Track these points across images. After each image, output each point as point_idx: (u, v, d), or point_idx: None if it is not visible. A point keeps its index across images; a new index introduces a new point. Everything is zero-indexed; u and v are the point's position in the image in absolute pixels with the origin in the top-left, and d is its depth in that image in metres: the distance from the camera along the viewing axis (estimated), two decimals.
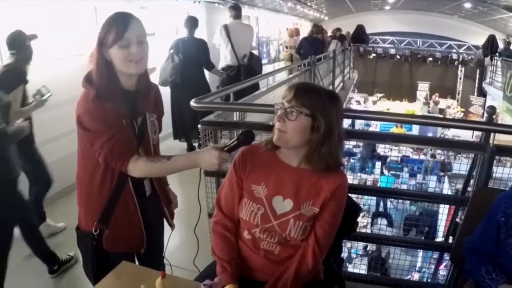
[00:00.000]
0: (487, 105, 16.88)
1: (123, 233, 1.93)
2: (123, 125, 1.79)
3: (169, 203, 2.22)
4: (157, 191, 2.10)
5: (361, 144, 9.46)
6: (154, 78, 4.15)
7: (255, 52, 10.08)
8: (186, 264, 2.29)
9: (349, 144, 8.91)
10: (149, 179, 2.03)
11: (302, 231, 1.74)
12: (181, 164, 1.82)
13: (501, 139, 2.86)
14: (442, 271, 3.48)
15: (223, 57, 6.22)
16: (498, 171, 2.44)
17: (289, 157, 1.78)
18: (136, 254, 2.12)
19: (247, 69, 6.18)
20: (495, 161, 2.35)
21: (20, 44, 3.45)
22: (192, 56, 5.78)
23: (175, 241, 3.02)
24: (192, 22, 5.93)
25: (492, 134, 2.42)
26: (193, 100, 2.78)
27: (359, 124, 12.95)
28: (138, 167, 1.79)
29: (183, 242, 3.18)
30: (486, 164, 2.35)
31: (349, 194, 1.97)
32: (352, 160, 10.33)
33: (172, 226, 2.24)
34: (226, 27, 6.13)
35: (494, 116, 2.57)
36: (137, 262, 2.12)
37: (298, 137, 1.69)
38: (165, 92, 5.84)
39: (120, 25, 1.73)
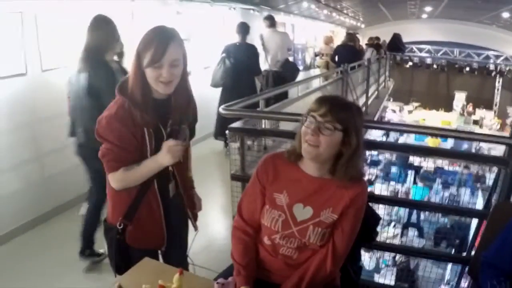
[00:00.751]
0: None
1: (145, 230, 2.06)
2: (131, 144, 1.90)
3: (192, 205, 2.32)
4: (181, 193, 2.19)
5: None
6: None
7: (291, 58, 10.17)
8: (210, 265, 2.36)
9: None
10: (173, 181, 2.14)
11: (321, 237, 1.80)
12: (148, 166, 1.92)
13: None
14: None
15: (262, 63, 6.50)
16: None
17: (312, 169, 1.83)
18: (161, 252, 2.22)
19: (277, 75, 6.55)
20: None
21: None
22: (243, 61, 6.01)
23: (201, 242, 3.12)
24: (244, 28, 6.17)
25: None
26: (221, 107, 2.90)
27: (393, 134, 12.85)
28: (116, 178, 1.93)
29: (209, 244, 3.26)
30: (508, 178, 2.33)
31: (369, 203, 2.00)
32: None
33: (195, 227, 2.34)
34: (261, 36, 6.62)
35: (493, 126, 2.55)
36: (161, 260, 2.21)
37: (330, 152, 1.74)
38: (214, 93, 6.20)
39: (159, 47, 1.82)
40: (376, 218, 2.11)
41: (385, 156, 9.68)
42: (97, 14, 3.32)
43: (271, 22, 6.97)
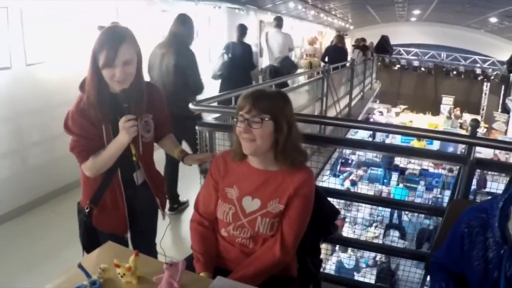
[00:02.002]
0: (511, 122, 16.69)
1: (109, 215, 2.21)
2: (94, 133, 2.04)
3: (160, 193, 2.41)
4: (147, 181, 2.29)
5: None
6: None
7: None
8: (181, 256, 2.35)
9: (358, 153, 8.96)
10: (141, 169, 2.24)
11: (270, 227, 1.87)
12: (111, 148, 2.04)
13: None
14: None
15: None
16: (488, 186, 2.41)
17: (257, 162, 1.92)
18: (131, 240, 2.39)
19: (274, 70, 7.30)
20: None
21: None
22: (238, 57, 6.63)
23: (174, 233, 3.10)
24: (242, 29, 6.81)
25: (474, 147, 2.42)
26: (191, 103, 3.02)
27: (380, 135, 12.91)
28: (87, 166, 2.06)
29: (182, 236, 3.27)
30: (466, 176, 2.35)
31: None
32: (371, 171, 10.34)
33: (163, 216, 2.45)
34: (266, 34, 7.61)
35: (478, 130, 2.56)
36: (131, 247, 2.34)
37: (266, 142, 1.81)
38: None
39: (111, 50, 1.93)
40: (334, 212, 2.16)
41: (368, 157, 9.72)
42: (182, 13, 4.21)
43: (277, 23, 7.76)
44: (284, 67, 7.59)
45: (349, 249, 6.94)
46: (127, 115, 1.99)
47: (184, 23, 4.12)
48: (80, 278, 1.54)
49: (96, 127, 2.03)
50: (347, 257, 6.95)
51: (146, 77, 3.63)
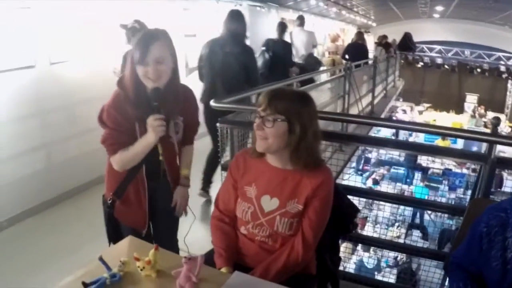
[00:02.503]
0: None
1: (130, 208, 2.31)
2: (127, 128, 2.13)
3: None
4: (170, 181, 2.39)
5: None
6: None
7: None
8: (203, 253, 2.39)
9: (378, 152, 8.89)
10: (166, 169, 2.33)
11: (289, 227, 1.88)
12: (139, 145, 2.13)
13: None
14: None
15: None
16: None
17: (274, 160, 1.93)
18: (153, 236, 2.45)
19: (300, 67, 7.31)
20: None
21: None
22: (279, 54, 6.70)
23: (199, 231, 3.13)
24: (282, 27, 7.00)
25: (495, 145, 2.39)
26: (212, 100, 3.09)
27: (403, 134, 12.80)
28: (115, 159, 2.16)
29: (207, 233, 3.29)
30: (487, 175, 2.31)
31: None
32: (393, 170, 10.25)
33: (185, 213, 2.53)
34: (290, 33, 7.83)
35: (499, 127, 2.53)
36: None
37: (278, 142, 1.82)
38: None
39: (143, 47, 2.03)
40: (353, 210, 2.16)
41: (391, 156, 9.63)
42: (234, 9, 4.56)
43: (300, 21, 8.10)
44: (309, 64, 7.75)
45: (371, 249, 6.88)
46: (155, 114, 2.06)
47: (238, 19, 4.33)
48: (100, 270, 1.57)
49: (129, 123, 2.12)
50: (368, 257, 6.90)
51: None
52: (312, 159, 1.86)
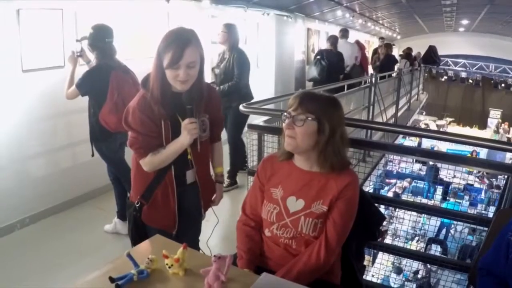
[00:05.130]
0: None
1: (159, 211, 2.29)
2: (153, 130, 2.13)
3: (207, 194, 2.48)
4: (197, 181, 2.36)
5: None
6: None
7: None
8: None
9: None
10: (194, 168, 2.32)
11: (313, 228, 1.89)
12: (172, 147, 2.14)
13: None
14: None
15: None
16: None
17: (302, 162, 1.97)
18: (173, 237, 2.36)
19: (347, 76, 8.04)
20: None
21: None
22: (333, 63, 7.59)
23: (222, 233, 3.33)
24: (335, 39, 7.96)
25: None
26: (241, 104, 3.19)
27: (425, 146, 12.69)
28: (145, 162, 2.17)
29: (229, 237, 3.33)
30: None
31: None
32: (415, 183, 10.18)
33: (202, 216, 2.51)
34: (335, 45, 8.36)
35: None
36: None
37: (307, 141, 1.86)
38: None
39: (176, 51, 2.01)
40: (380, 217, 2.18)
41: (412, 169, 9.56)
42: (228, 22, 5.16)
43: (343, 33, 8.82)
44: (355, 74, 8.66)
45: (390, 262, 6.82)
46: (190, 117, 2.08)
47: (233, 29, 5.01)
48: (127, 267, 1.59)
49: (155, 124, 2.12)
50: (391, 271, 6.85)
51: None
52: (338, 162, 1.89)
